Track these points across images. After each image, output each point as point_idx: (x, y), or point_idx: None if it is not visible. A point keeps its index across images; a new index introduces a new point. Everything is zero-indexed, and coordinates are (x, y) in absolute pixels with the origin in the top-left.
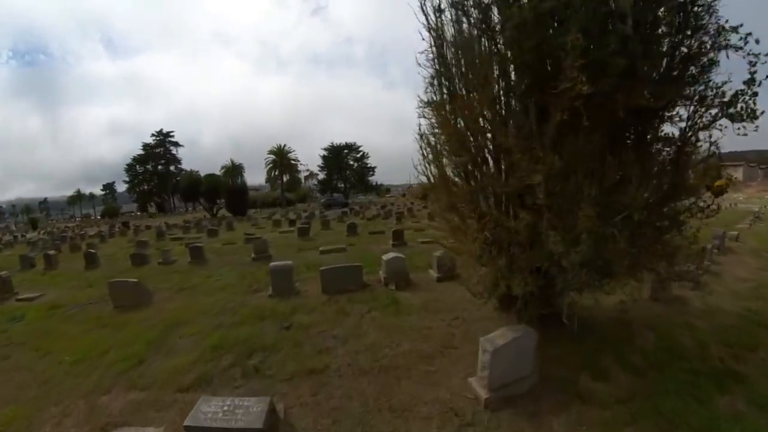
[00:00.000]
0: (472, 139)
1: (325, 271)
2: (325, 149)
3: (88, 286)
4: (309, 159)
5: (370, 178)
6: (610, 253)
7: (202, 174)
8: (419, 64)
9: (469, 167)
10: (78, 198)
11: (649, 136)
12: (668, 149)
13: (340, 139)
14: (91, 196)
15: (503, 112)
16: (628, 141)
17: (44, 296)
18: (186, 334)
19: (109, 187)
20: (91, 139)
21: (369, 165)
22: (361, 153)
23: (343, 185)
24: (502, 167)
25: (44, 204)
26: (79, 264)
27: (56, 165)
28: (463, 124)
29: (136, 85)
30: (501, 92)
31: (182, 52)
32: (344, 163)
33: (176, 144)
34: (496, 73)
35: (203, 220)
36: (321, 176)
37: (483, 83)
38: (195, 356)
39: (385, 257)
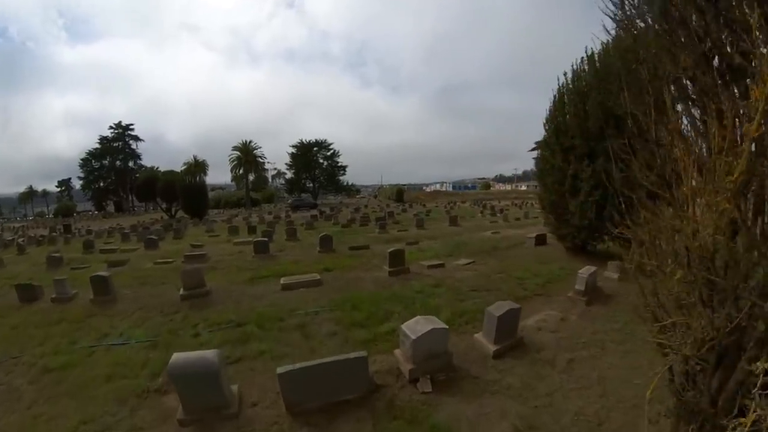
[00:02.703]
0: None
1: (287, 375)
2: (293, 146)
3: None
4: (280, 157)
5: (340, 178)
6: None
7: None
8: None
9: None
10: (30, 195)
11: None
12: None
13: (312, 137)
14: (45, 193)
15: None
16: None
17: None
18: None
19: (64, 184)
20: (47, 132)
21: (340, 164)
22: (332, 151)
23: (312, 185)
24: None
25: None
26: None
27: (8, 159)
28: None
29: (98, 73)
30: None
31: (149, 40)
32: (313, 161)
33: (136, 138)
34: None
35: (154, 224)
36: (289, 175)
37: None
38: None
39: (411, 333)
